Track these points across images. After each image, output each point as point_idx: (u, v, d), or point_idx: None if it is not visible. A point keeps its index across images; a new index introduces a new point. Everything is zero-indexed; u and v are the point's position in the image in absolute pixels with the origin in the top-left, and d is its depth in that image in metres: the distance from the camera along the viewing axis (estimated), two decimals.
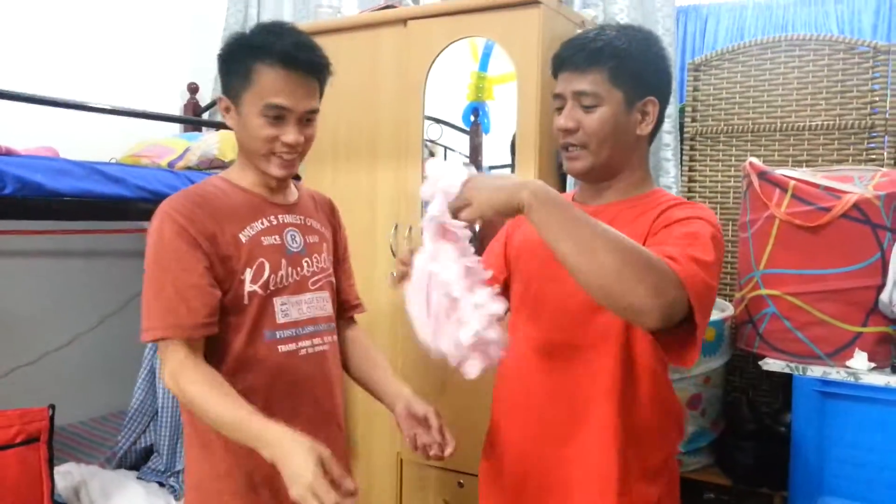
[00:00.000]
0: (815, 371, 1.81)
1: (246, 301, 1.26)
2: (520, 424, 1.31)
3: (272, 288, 1.30)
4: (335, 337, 1.43)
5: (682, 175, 2.46)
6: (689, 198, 2.46)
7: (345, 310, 1.52)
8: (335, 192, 2.34)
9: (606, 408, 1.20)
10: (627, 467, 1.20)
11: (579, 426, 1.22)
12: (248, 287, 1.26)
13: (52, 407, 1.90)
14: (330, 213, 1.53)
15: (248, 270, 1.26)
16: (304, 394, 1.33)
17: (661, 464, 1.25)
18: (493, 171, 2.44)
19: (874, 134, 2.19)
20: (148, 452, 2.33)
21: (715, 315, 2.09)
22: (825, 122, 2.25)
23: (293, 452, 1.04)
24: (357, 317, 1.58)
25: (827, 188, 1.85)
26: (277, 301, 1.30)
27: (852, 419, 1.75)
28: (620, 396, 1.19)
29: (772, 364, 1.89)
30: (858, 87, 2.22)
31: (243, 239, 1.28)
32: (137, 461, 2.33)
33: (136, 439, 2.31)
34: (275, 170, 1.31)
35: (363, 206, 2.29)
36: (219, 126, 2.80)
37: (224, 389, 1.17)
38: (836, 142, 2.25)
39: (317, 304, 1.38)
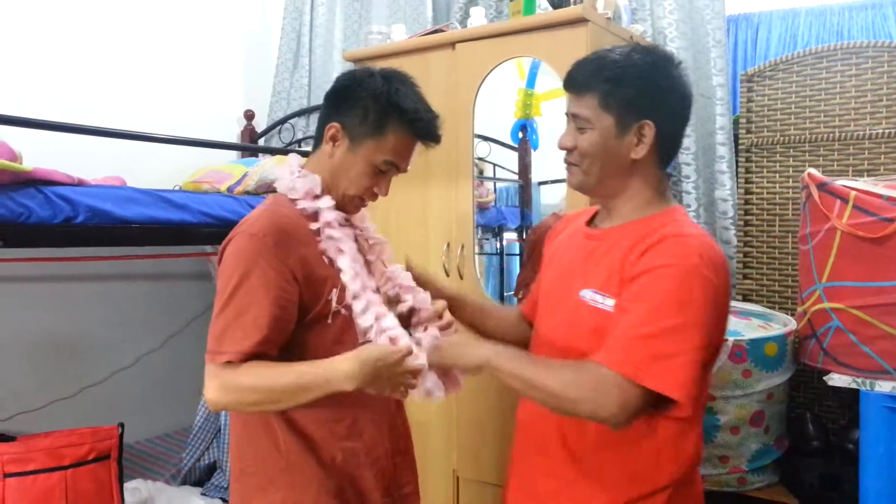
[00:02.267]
0: (884, 386, 1.75)
1: (329, 320, 1.28)
2: (519, 455, 1.38)
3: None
4: None
5: (738, 187, 2.43)
6: (745, 210, 2.42)
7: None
8: (390, 212, 2.40)
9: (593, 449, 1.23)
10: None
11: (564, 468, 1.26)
12: (333, 307, 1.28)
13: (122, 425, 1.97)
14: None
15: (335, 290, 1.28)
16: (383, 409, 1.36)
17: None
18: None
19: None
20: (211, 469, 2.40)
21: (777, 330, 2.04)
22: (886, 131, 2.19)
23: (352, 359, 1.16)
24: None
25: (890, 198, 1.79)
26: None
27: None
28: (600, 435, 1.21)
29: (837, 379, 1.84)
30: None
31: (326, 260, 1.30)
32: (201, 477, 2.40)
33: (200, 456, 2.37)
34: (350, 209, 1.37)
35: (416, 225, 2.33)
36: (274, 151, 2.88)
37: (267, 363, 1.19)
38: None
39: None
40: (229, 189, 2.66)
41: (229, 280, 1.20)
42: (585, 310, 1.22)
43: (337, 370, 1.16)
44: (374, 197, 1.36)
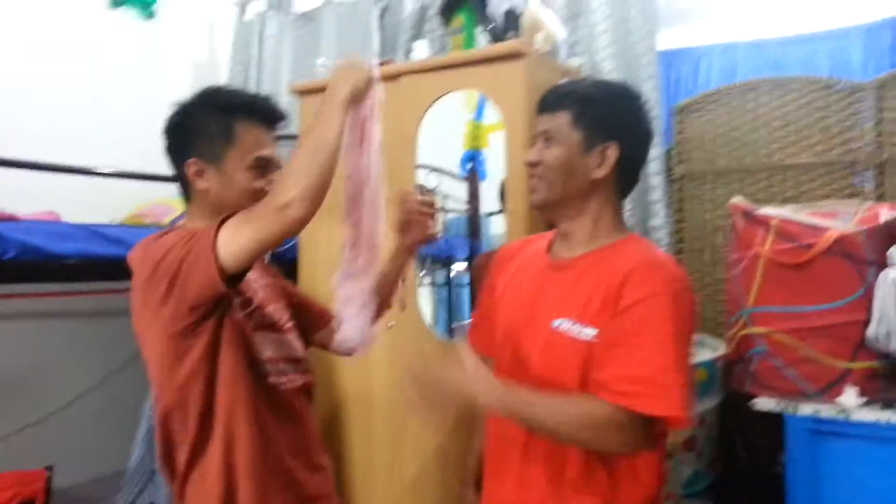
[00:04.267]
0: (806, 409, 1.80)
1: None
2: (490, 472, 1.37)
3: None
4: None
5: (671, 216, 2.49)
6: (678, 238, 2.48)
7: (325, 320, 1.58)
8: (332, 243, 2.40)
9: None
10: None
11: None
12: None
13: (50, 468, 1.92)
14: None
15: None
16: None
17: None
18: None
19: (858, 169, 2.22)
20: None
21: (706, 355, 2.09)
22: (810, 160, 2.28)
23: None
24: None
25: (809, 226, 1.86)
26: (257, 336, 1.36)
27: (845, 457, 1.74)
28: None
29: (763, 403, 1.89)
30: (841, 123, 2.26)
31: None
32: None
33: (135, 498, 2.32)
34: None
35: None
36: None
37: None
38: (820, 178, 2.28)
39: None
40: (171, 223, 2.63)
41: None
42: (562, 340, 1.22)
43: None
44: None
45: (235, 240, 1.16)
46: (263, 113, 1.35)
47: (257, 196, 1.30)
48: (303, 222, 1.15)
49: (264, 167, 1.34)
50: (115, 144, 2.81)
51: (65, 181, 2.33)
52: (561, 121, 1.28)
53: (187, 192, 1.37)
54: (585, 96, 1.29)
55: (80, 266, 2.04)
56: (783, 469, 1.86)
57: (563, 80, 1.38)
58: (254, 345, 1.33)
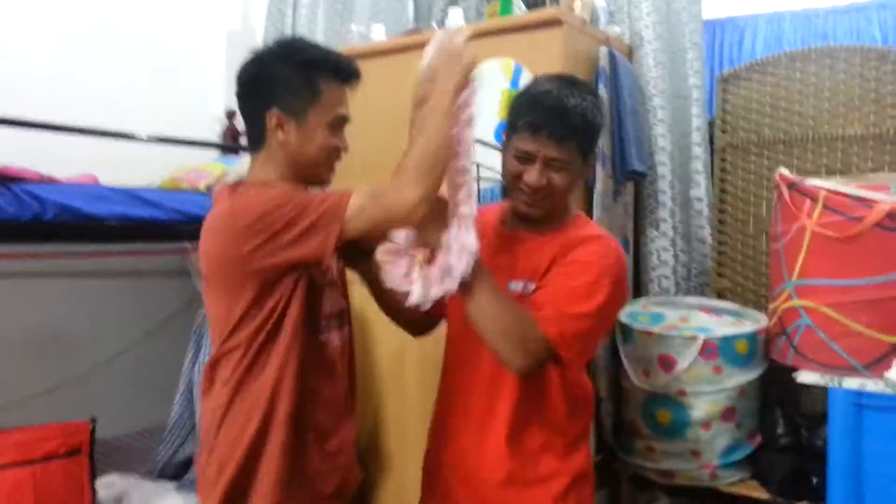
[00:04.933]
0: (851, 383, 1.77)
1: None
2: (444, 418, 1.51)
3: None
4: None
5: (713, 187, 2.45)
6: (720, 210, 2.44)
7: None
8: None
9: (512, 399, 1.39)
10: (534, 449, 1.40)
11: (490, 417, 1.40)
12: None
13: (94, 420, 1.96)
14: None
15: None
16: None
17: (572, 446, 1.44)
18: None
19: None
20: (187, 464, 2.39)
21: (748, 327, 2.06)
22: (858, 132, 2.22)
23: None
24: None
25: (859, 198, 1.82)
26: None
27: (890, 432, 1.70)
28: (527, 390, 1.39)
29: (806, 376, 1.86)
30: (894, 95, 2.19)
31: None
32: (177, 472, 2.39)
33: (175, 451, 2.37)
34: (328, 177, 1.41)
35: None
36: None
37: None
38: (871, 150, 2.22)
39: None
40: (207, 188, 2.65)
41: (271, 206, 1.27)
42: (515, 298, 1.37)
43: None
44: (340, 156, 1.40)
45: (362, 216, 1.23)
46: (347, 72, 1.37)
47: (333, 154, 1.38)
48: (417, 221, 1.24)
49: (341, 125, 1.38)
50: (151, 111, 2.83)
51: (103, 146, 2.36)
52: (570, 152, 1.36)
53: (258, 141, 1.38)
54: (591, 125, 1.38)
55: (118, 228, 2.06)
56: (824, 443, 1.84)
57: (551, 93, 1.37)
58: (321, 300, 1.38)
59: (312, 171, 1.38)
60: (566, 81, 1.41)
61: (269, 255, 1.24)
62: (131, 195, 2.09)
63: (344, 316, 1.47)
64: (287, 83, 1.33)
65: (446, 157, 1.24)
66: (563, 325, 1.30)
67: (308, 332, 1.34)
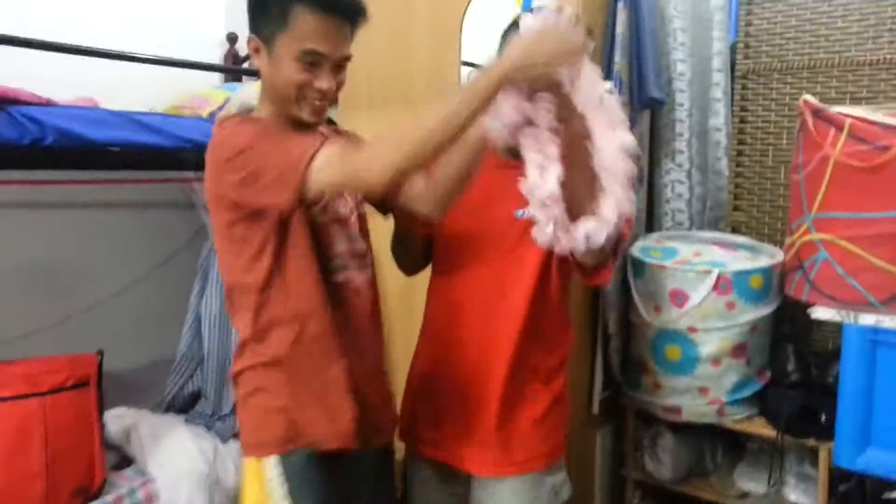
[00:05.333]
0: (868, 319, 1.73)
1: None
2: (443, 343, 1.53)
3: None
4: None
5: (733, 115, 2.35)
6: (739, 140, 2.34)
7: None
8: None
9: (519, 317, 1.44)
10: (531, 362, 1.47)
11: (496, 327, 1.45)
12: None
13: (101, 353, 1.96)
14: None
15: None
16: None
17: (559, 366, 1.51)
18: None
19: None
20: (195, 397, 2.41)
21: (763, 261, 2.01)
22: (888, 56, 2.10)
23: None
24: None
25: (887, 126, 1.73)
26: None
27: None
28: (533, 302, 1.44)
29: (821, 312, 1.82)
30: None
31: None
32: (185, 406, 2.41)
33: (184, 385, 2.38)
34: (307, 115, 1.29)
35: None
36: (257, 75, 2.78)
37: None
38: None
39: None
40: (211, 115, 2.59)
41: (242, 145, 1.23)
42: (524, 225, 1.35)
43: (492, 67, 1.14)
44: (320, 94, 1.27)
45: (326, 173, 1.16)
46: (325, 2, 1.22)
47: (305, 91, 1.26)
48: (386, 191, 1.22)
49: (314, 63, 1.24)
50: (150, 38, 2.73)
51: (103, 68, 2.28)
52: None
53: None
54: None
55: (120, 155, 2.01)
56: (835, 380, 1.81)
57: None
58: (328, 237, 1.32)
59: (285, 106, 1.28)
60: None
61: (242, 194, 1.21)
62: (132, 120, 2.02)
63: (366, 258, 1.42)
64: (262, 5, 1.25)
65: (441, 144, 1.13)
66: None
67: (320, 269, 1.30)
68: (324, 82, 1.26)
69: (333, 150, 1.17)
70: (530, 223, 1.28)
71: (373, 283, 1.43)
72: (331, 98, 1.30)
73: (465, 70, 2.18)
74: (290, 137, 1.22)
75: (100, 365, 1.96)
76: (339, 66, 1.29)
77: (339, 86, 1.31)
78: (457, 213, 1.39)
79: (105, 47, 2.19)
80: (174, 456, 2.06)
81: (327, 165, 1.15)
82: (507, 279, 1.45)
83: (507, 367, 1.44)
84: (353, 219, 1.42)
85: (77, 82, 2.26)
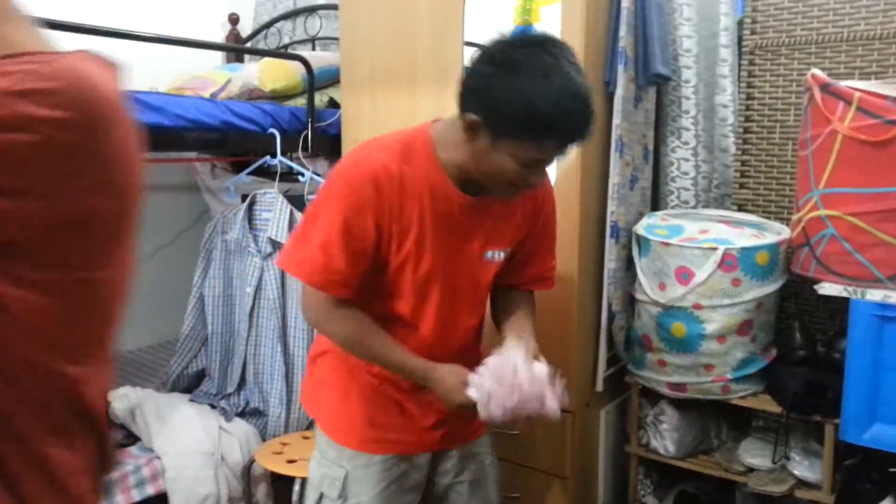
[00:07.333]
0: (875, 295, 1.71)
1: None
2: None
3: None
4: None
5: (739, 92, 2.32)
6: (745, 117, 2.32)
7: None
8: (375, 118, 2.32)
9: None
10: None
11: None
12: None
13: None
14: None
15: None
16: None
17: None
18: None
19: None
20: (200, 376, 2.42)
21: (769, 238, 1.99)
22: None
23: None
24: None
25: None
26: None
27: None
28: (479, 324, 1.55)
29: (828, 288, 1.80)
30: None
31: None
32: (190, 385, 2.42)
33: (188, 364, 2.39)
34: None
35: None
36: (261, 53, 2.77)
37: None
38: None
39: None
40: (212, 95, 2.58)
41: None
42: (491, 267, 1.45)
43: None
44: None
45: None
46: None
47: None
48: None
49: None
50: (152, 16, 2.72)
51: (105, 47, 2.27)
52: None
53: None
54: None
55: None
56: (841, 356, 1.80)
57: (580, 88, 1.23)
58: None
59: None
60: (569, 61, 1.22)
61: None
62: (133, 98, 2.02)
63: None
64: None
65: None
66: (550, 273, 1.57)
67: None
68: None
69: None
70: (498, 264, 1.45)
71: None
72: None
73: (467, 50, 2.16)
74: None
75: None
76: None
77: None
78: (425, 249, 1.37)
79: (107, 26, 2.18)
80: (178, 434, 2.07)
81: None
82: (463, 311, 1.47)
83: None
84: None
85: None
